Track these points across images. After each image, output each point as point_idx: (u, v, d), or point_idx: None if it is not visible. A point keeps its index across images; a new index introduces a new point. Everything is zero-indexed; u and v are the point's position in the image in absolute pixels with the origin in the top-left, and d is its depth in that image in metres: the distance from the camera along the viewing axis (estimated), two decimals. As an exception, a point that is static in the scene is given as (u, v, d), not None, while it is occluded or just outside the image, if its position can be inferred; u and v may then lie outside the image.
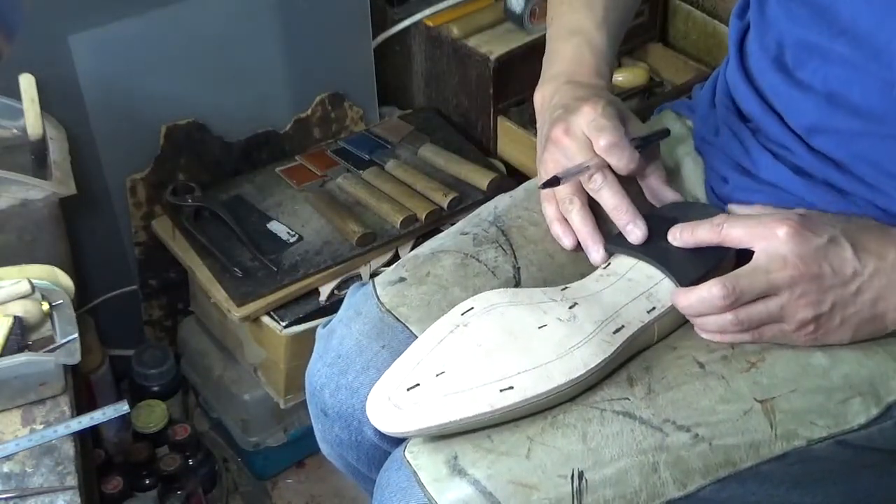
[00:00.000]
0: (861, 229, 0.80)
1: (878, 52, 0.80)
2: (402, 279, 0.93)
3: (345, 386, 0.90)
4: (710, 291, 0.78)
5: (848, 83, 0.83)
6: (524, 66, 1.54)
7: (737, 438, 0.77)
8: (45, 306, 1.05)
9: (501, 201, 1.00)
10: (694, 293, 0.79)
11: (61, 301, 1.06)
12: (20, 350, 1.01)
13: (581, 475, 0.74)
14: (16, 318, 1.02)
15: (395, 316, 0.90)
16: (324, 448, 1.01)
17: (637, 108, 1.59)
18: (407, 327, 0.89)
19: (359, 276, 1.41)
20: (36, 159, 1.22)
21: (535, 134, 1.54)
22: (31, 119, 1.22)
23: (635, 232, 0.87)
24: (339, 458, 1.00)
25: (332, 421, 0.93)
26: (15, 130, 1.25)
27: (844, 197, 0.86)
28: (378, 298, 0.92)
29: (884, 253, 0.78)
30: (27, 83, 1.22)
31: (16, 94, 1.22)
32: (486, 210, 0.99)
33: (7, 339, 1.01)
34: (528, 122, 1.56)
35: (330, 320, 0.96)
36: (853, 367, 0.80)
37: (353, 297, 0.95)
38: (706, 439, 0.76)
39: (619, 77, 1.65)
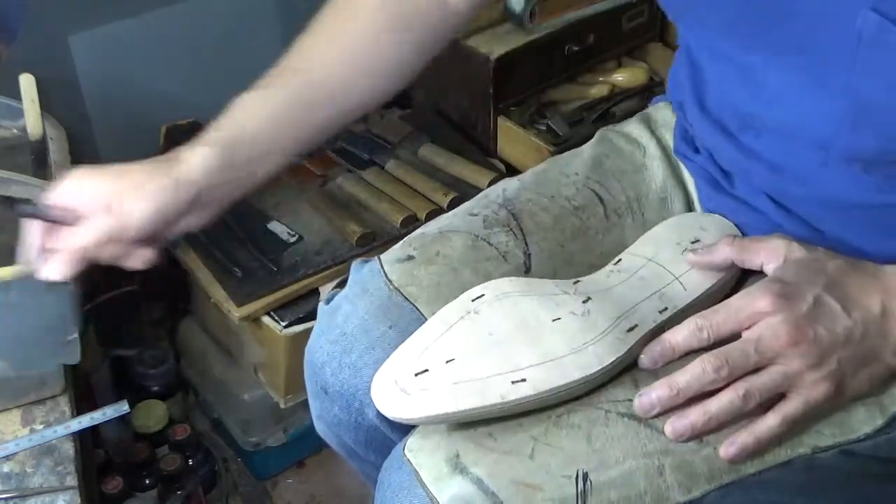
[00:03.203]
0: (843, 279, 0.77)
1: (804, 125, 0.79)
2: (410, 257, 0.91)
3: (348, 365, 0.88)
4: (700, 366, 0.74)
5: (786, 154, 0.83)
6: (524, 66, 1.54)
7: None
8: None
9: (510, 184, 0.98)
10: (683, 373, 0.74)
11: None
12: (23, 347, 1.01)
13: (586, 476, 0.73)
14: None
15: (403, 295, 0.88)
16: (319, 426, 0.99)
17: (637, 108, 1.59)
18: (416, 307, 0.87)
19: (359, 277, 1.41)
20: (36, 159, 1.22)
21: (535, 134, 1.55)
22: (31, 119, 1.22)
23: None
24: (334, 438, 0.98)
25: (332, 400, 0.91)
26: (15, 130, 1.25)
27: (819, 234, 0.85)
28: (386, 276, 0.90)
29: (870, 304, 0.76)
30: (27, 83, 1.22)
31: (16, 94, 1.22)
32: (493, 192, 0.98)
33: (7, 339, 1.01)
34: (528, 121, 1.56)
35: (333, 295, 0.94)
36: None
37: (359, 274, 0.93)
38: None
39: (619, 77, 1.65)
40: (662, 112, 1.05)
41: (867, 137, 0.75)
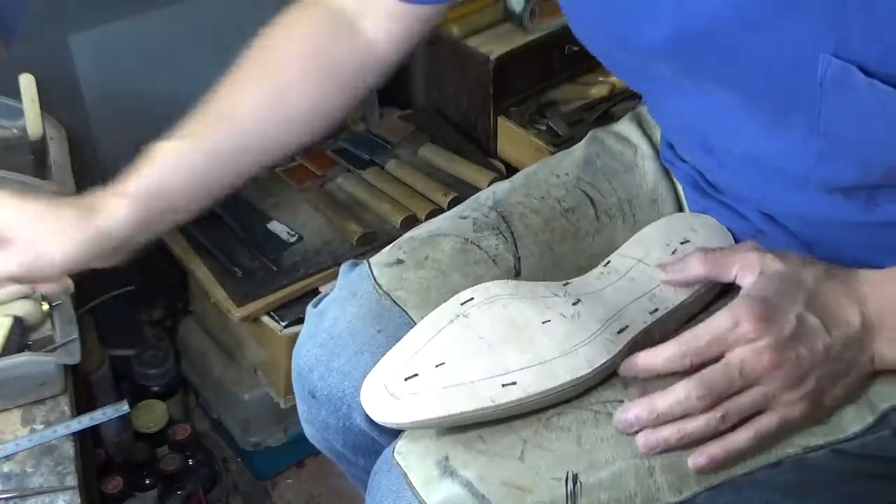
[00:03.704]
0: (821, 290, 0.75)
1: (777, 161, 0.78)
2: (399, 261, 0.91)
3: (336, 369, 0.88)
4: (685, 392, 0.73)
5: (762, 180, 0.82)
6: (524, 66, 1.54)
7: None
8: (45, 306, 1.06)
9: (500, 187, 0.98)
10: (666, 396, 0.73)
11: (61, 301, 1.06)
12: (20, 350, 1.01)
13: (575, 478, 0.73)
14: (16, 318, 1.02)
15: (392, 299, 0.88)
16: (308, 430, 0.98)
17: (636, 107, 1.59)
18: (405, 312, 0.87)
19: (358, 277, 1.41)
20: (36, 159, 1.22)
21: (536, 134, 1.55)
22: (31, 119, 1.22)
23: None
24: (323, 442, 0.98)
25: (320, 404, 0.91)
26: (15, 130, 1.25)
27: (810, 249, 0.85)
28: (375, 280, 0.90)
29: (850, 318, 0.75)
30: (27, 83, 1.22)
31: (16, 94, 1.22)
32: (484, 195, 0.98)
33: (7, 339, 1.01)
34: (528, 121, 1.56)
35: (321, 298, 0.94)
36: None
37: (347, 277, 0.93)
38: None
39: (620, 77, 1.64)
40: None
41: (845, 169, 0.74)
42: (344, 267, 0.96)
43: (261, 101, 0.95)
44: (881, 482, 0.82)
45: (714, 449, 0.74)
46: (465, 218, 0.94)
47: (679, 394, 0.72)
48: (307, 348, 0.92)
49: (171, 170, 0.92)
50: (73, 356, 1.01)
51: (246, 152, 0.95)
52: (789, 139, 0.74)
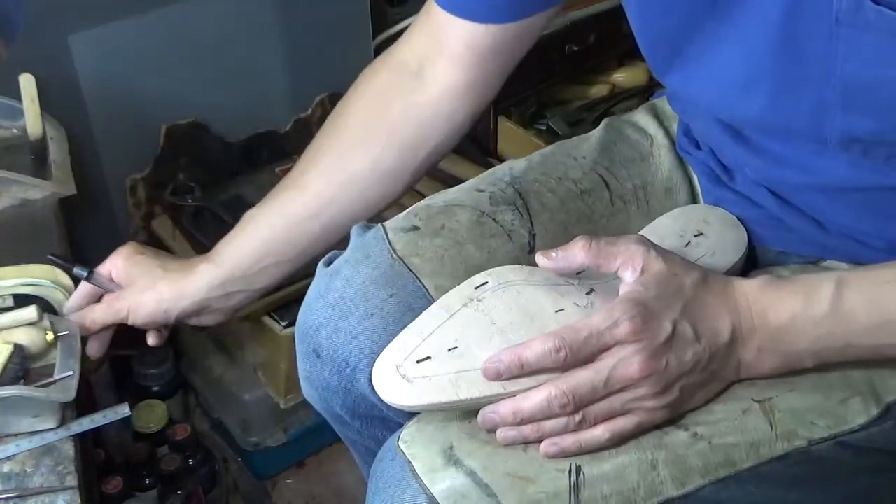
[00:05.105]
0: (699, 298, 0.76)
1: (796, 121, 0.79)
2: (415, 228, 0.90)
3: (345, 330, 0.87)
4: (547, 399, 0.73)
5: (787, 146, 0.82)
6: (524, 66, 1.53)
7: (736, 437, 0.76)
8: (50, 336, 1.03)
9: (516, 164, 0.98)
10: (529, 400, 0.74)
11: (67, 332, 1.04)
12: (18, 379, 0.98)
13: (579, 470, 0.73)
14: (16, 345, 0.99)
15: (406, 265, 0.87)
16: (306, 388, 0.97)
17: (636, 107, 1.59)
18: (418, 279, 0.87)
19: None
20: (36, 159, 1.22)
21: (536, 134, 1.55)
22: (31, 119, 1.22)
23: None
24: (321, 402, 0.96)
25: (324, 363, 0.90)
26: (15, 130, 1.25)
27: (822, 229, 0.85)
28: (390, 244, 0.89)
29: (720, 329, 0.75)
30: (27, 83, 1.22)
31: (16, 94, 1.22)
32: (501, 170, 0.97)
33: (5, 368, 0.98)
34: (528, 121, 1.56)
35: (332, 257, 0.93)
36: (850, 366, 0.79)
37: (362, 239, 0.92)
38: (705, 438, 0.76)
39: (619, 77, 1.65)
40: (666, 106, 1.05)
41: (861, 118, 0.74)
42: (356, 228, 0.94)
43: (325, 165, 1.02)
44: (887, 476, 0.82)
45: (568, 441, 0.75)
46: (481, 191, 0.94)
47: (542, 401, 0.73)
48: (316, 307, 0.90)
49: (249, 234, 1.05)
50: (68, 393, 0.98)
51: (315, 217, 1.02)
52: (805, 94, 0.75)
